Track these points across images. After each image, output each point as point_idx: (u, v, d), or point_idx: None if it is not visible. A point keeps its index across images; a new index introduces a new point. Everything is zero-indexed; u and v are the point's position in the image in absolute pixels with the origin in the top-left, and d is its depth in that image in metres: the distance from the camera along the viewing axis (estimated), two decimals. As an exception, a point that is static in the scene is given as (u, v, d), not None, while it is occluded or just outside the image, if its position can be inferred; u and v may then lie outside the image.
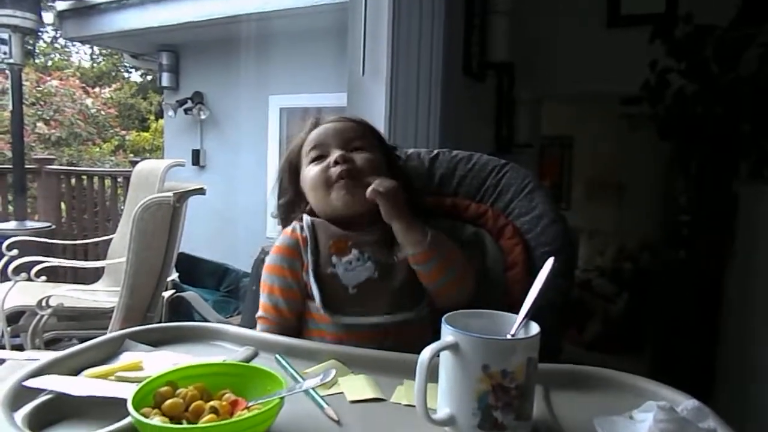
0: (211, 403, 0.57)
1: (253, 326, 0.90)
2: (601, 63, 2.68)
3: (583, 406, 0.65)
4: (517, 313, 0.63)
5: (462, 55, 2.18)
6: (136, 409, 0.53)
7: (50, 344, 2.57)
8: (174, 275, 2.91)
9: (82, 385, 0.62)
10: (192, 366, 0.63)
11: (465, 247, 0.93)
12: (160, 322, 2.52)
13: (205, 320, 2.63)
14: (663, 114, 2.46)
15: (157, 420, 0.53)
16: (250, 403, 0.57)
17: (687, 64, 2.21)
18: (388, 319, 0.83)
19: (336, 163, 0.88)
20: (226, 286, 3.50)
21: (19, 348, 2.49)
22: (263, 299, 0.90)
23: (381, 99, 1.45)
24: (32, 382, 0.61)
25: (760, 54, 2.03)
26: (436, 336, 0.58)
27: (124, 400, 0.54)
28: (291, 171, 0.97)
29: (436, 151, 1.07)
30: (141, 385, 0.57)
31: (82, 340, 2.33)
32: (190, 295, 2.62)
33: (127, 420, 0.54)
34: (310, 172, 0.92)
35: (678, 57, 2.22)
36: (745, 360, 1.94)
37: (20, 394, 0.59)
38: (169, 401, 0.56)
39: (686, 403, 0.51)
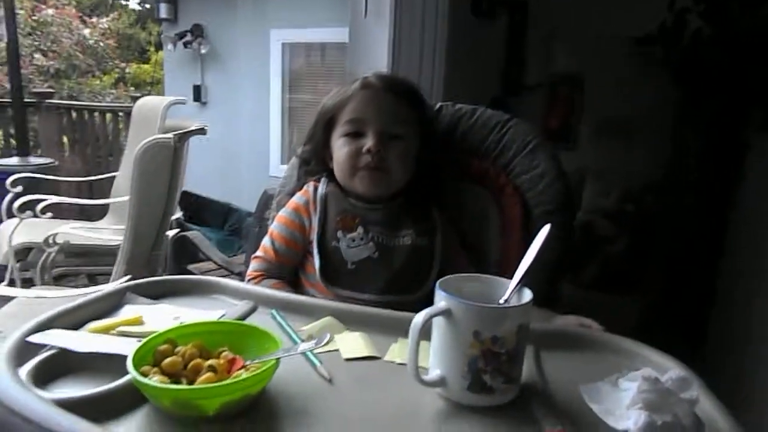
0: (210, 361, 0.58)
1: None
2: (618, 1, 2.57)
3: (572, 367, 0.67)
4: (512, 271, 0.63)
5: (471, -8, 2.08)
6: (137, 367, 0.55)
7: (59, 279, 2.63)
8: (178, 214, 2.93)
9: (85, 341, 0.64)
10: (191, 324, 0.64)
11: (466, 208, 0.93)
12: (165, 260, 2.57)
13: (210, 259, 2.68)
14: (678, 56, 2.38)
15: (156, 379, 0.54)
16: (247, 362, 0.59)
17: (706, 4, 2.11)
18: (383, 299, 0.85)
19: (368, 151, 0.88)
20: (230, 225, 3.54)
21: (29, 282, 2.55)
22: (265, 242, 0.94)
23: (384, 42, 1.40)
24: (36, 338, 0.62)
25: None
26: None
27: (126, 357, 0.55)
28: (325, 125, 0.95)
29: (439, 105, 1.04)
30: (141, 343, 0.58)
31: (90, 276, 2.36)
32: (194, 234, 2.65)
33: (129, 377, 0.56)
34: (341, 147, 0.91)
35: (697, -3, 2.11)
36: (740, 310, 1.97)
37: (24, 350, 0.60)
38: (168, 359, 0.58)
39: (671, 373, 0.53)
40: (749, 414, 1.60)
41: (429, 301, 0.59)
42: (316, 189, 0.94)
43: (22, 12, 7.27)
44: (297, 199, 0.95)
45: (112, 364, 0.59)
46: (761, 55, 2.09)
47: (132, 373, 0.53)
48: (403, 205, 0.92)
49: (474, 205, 0.98)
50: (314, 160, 0.98)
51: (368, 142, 0.88)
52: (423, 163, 0.93)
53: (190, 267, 2.79)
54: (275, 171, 4.10)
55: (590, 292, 3.16)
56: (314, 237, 0.89)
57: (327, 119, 0.95)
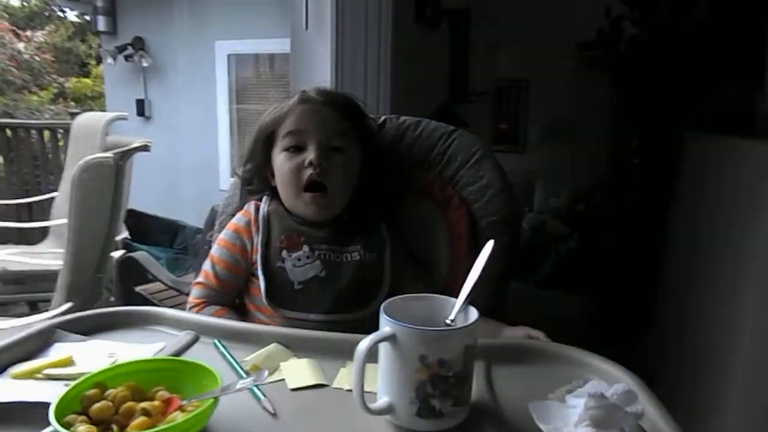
0: (143, 404, 0.55)
1: None
2: (558, 8, 2.64)
3: (523, 381, 0.67)
4: (460, 284, 0.62)
5: (414, 2, 2.09)
6: (61, 416, 0.51)
7: (-4, 309, 2.49)
8: (124, 234, 2.82)
9: (5, 388, 0.59)
10: (122, 364, 0.60)
11: (413, 221, 0.92)
12: (111, 283, 2.46)
13: (158, 280, 2.59)
14: (616, 60, 2.47)
15: (82, 429, 0.50)
16: (184, 402, 0.55)
17: (640, 12, 2.20)
18: (331, 318, 0.83)
19: (311, 163, 0.86)
20: (179, 243, 3.43)
21: (-37, 313, 2.39)
22: (206, 267, 0.91)
23: (326, 54, 1.38)
24: (-53, 390, 0.57)
25: (708, 3, 2.03)
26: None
27: (50, 405, 0.51)
28: (264, 141, 0.93)
29: (383, 118, 1.03)
30: (67, 389, 0.54)
31: (32, 304, 2.23)
32: (141, 255, 2.55)
33: (51, 429, 0.52)
34: (283, 163, 0.88)
35: (632, 5, 2.20)
36: (682, 302, 2.04)
37: (-66, 404, 0.55)
38: (96, 405, 0.54)
39: (616, 387, 0.53)
40: (693, 411, 1.66)
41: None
42: (258, 208, 0.91)
43: (-52, 26, 6.90)
44: (237, 220, 0.91)
45: (36, 413, 0.55)
46: (692, 59, 2.19)
47: (54, 425, 0.49)
48: (349, 222, 0.90)
49: (421, 217, 0.97)
50: (256, 179, 0.95)
51: (309, 155, 0.86)
52: (366, 177, 0.92)
53: (138, 289, 2.68)
54: (225, 185, 4.01)
55: (541, 290, 3.23)
56: (258, 258, 0.86)
57: (266, 135, 0.92)
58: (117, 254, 2.51)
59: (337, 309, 0.84)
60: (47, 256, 2.47)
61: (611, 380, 0.63)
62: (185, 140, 4.24)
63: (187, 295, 0.93)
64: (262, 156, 0.93)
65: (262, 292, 0.84)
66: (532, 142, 4.43)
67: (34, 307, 2.64)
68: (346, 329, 0.80)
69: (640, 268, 2.50)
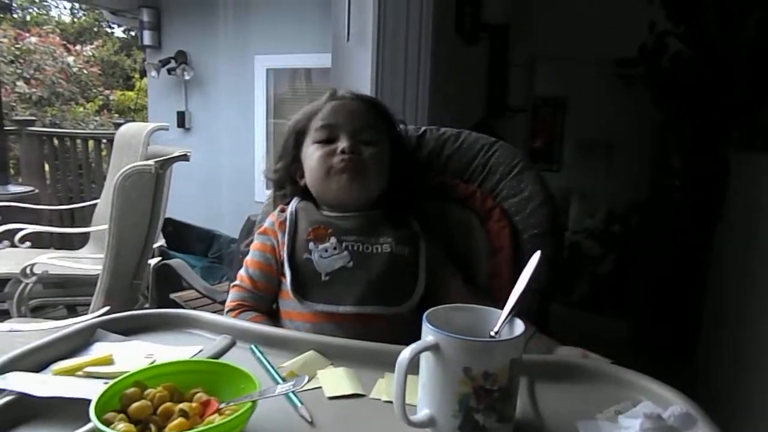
0: (181, 405, 0.54)
1: None
2: (598, 24, 2.60)
3: (568, 400, 0.64)
4: (502, 298, 0.60)
5: (454, 16, 2.10)
6: (101, 413, 0.51)
7: (36, 311, 2.55)
8: (161, 241, 2.87)
9: (47, 385, 0.59)
10: (162, 364, 0.60)
11: (452, 229, 0.90)
12: (147, 289, 2.51)
13: (193, 287, 2.62)
14: (658, 77, 2.41)
15: (121, 427, 0.50)
16: (222, 405, 0.55)
17: (686, 27, 2.15)
18: (361, 310, 0.81)
19: (342, 152, 0.86)
20: (213, 252, 3.48)
21: (5, 314, 2.47)
22: (241, 271, 0.92)
23: (367, 66, 1.38)
24: (-7, 382, 0.58)
25: (758, 19, 1.97)
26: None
27: (90, 401, 0.51)
28: (296, 137, 0.94)
29: (423, 129, 1.02)
30: (107, 387, 0.54)
31: (69, 307, 2.29)
32: (176, 262, 2.59)
33: (91, 425, 0.52)
34: (314, 152, 0.89)
35: (677, 20, 2.15)
36: (729, 326, 1.96)
37: (-21, 396, 0.56)
38: (135, 404, 0.53)
39: (673, 409, 0.50)
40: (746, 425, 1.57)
41: (419, 316, 0.56)
42: (283, 210, 0.92)
43: (5, 40, 7.25)
44: (268, 223, 0.92)
45: (76, 409, 0.55)
46: (738, 75, 2.12)
47: (93, 422, 0.49)
48: (379, 215, 0.89)
49: (461, 227, 0.95)
50: (286, 179, 0.95)
51: (341, 144, 0.87)
52: (396, 175, 0.91)
53: (173, 296, 2.72)
54: (260, 196, 4.06)
55: (578, 311, 3.14)
56: (285, 253, 0.86)
57: (297, 131, 0.93)
58: (154, 261, 2.56)
59: (367, 301, 0.81)
60: (87, 262, 2.53)
61: (662, 402, 0.60)
62: (223, 152, 4.33)
63: (221, 303, 0.93)
64: (292, 153, 0.94)
65: (289, 284, 0.83)
66: (567, 160, 4.36)
67: (72, 311, 2.71)
68: (381, 325, 0.79)
69: (681, 292, 2.41)
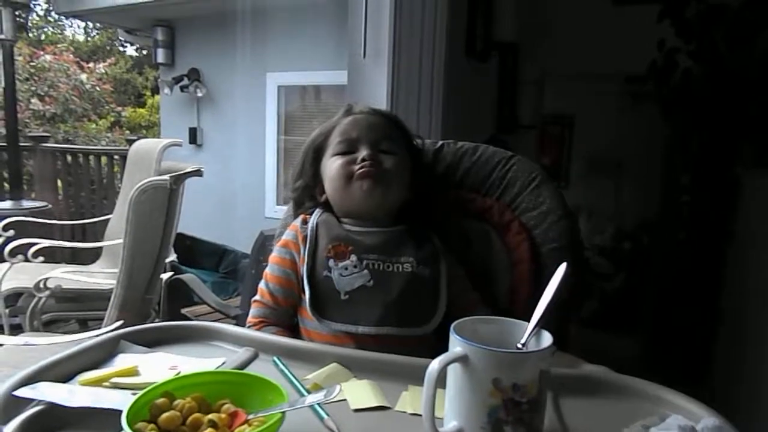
0: (210, 415, 0.54)
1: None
2: (607, 42, 2.62)
3: (593, 413, 0.64)
4: (521, 310, 0.60)
5: (465, 35, 2.12)
6: (131, 423, 0.51)
7: (49, 325, 2.56)
8: (172, 256, 2.88)
9: (75, 395, 0.60)
10: (190, 375, 0.60)
11: (472, 244, 0.90)
12: (159, 304, 2.51)
13: (204, 302, 2.62)
14: (668, 94, 2.42)
15: (152, 437, 0.50)
16: (250, 416, 0.55)
17: (696, 45, 2.16)
18: (380, 331, 0.80)
19: (363, 160, 0.86)
20: (225, 267, 3.49)
21: (18, 328, 2.48)
22: (261, 284, 0.91)
23: (383, 82, 1.40)
24: (22, 392, 0.58)
25: (770, 36, 1.98)
26: (443, 348, 0.56)
27: (120, 412, 0.52)
28: (314, 154, 0.94)
29: (440, 143, 1.03)
30: (137, 397, 0.54)
31: (81, 322, 2.30)
32: (188, 277, 2.60)
33: (122, 435, 0.52)
34: (333, 163, 0.89)
35: (687, 38, 2.16)
36: (749, 343, 1.93)
37: (9, 405, 0.56)
38: (165, 414, 0.54)
39: (705, 421, 0.49)
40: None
41: (438, 338, 0.56)
42: (305, 221, 0.90)
43: (20, 58, 7.38)
44: (286, 235, 0.91)
45: (105, 419, 0.55)
46: (749, 93, 2.13)
47: (126, 431, 0.49)
48: (402, 232, 0.88)
49: (480, 241, 0.95)
50: (306, 197, 0.95)
51: (362, 153, 0.87)
52: (418, 189, 0.91)
53: (185, 311, 2.73)
54: (270, 212, 4.08)
55: (589, 329, 3.11)
56: (304, 269, 0.85)
57: (315, 148, 0.93)
58: (166, 276, 2.57)
59: (386, 322, 0.80)
60: (99, 276, 2.54)
61: (691, 416, 0.59)
62: (234, 167, 4.36)
63: (233, 318, 0.93)
64: (311, 170, 0.94)
65: (307, 301, 0.82)
66: (575, 177, 4.36)
67: (84, 325, 2.72)
68: (400, 347, 0.76)
69: (693, 309, 2.39)
